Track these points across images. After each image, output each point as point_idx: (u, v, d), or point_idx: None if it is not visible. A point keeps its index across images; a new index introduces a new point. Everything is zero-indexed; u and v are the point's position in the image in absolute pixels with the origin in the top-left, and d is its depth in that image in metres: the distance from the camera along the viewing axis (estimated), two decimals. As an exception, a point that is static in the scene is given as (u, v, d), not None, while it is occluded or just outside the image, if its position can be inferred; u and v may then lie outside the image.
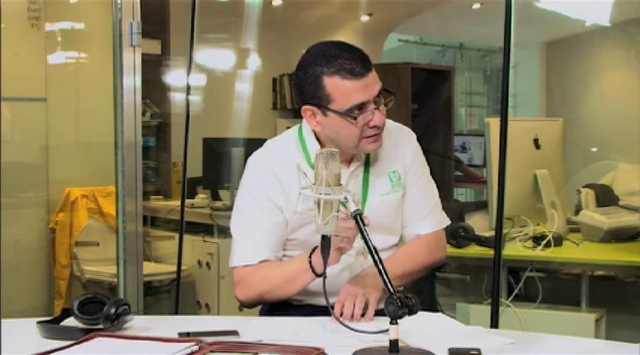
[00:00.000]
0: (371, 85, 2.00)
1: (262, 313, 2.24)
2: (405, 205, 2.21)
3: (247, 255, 2.12)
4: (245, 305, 2.19)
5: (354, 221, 1.81)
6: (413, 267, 2.18)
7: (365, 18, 7.24)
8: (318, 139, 2.12)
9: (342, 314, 1.94)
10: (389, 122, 2.19)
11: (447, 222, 2.29)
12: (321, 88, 2.00)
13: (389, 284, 1.71)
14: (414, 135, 2.27)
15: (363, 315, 1.95)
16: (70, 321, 1.90)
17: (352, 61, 1.99)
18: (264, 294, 2.12)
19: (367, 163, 2.16)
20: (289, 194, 2.08)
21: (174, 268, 3.89)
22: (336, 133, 2.05)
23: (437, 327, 1.91)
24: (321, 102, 2.02)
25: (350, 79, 1.97)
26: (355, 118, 1.99)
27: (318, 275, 1.98)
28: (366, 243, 1.77)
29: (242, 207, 2.16)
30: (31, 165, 4.44)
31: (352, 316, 1.94)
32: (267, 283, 2.09)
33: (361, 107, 1.99)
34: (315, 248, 1.98)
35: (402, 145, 2.22)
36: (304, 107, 2.07)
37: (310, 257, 2.00)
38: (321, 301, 1.91)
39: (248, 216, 2.14)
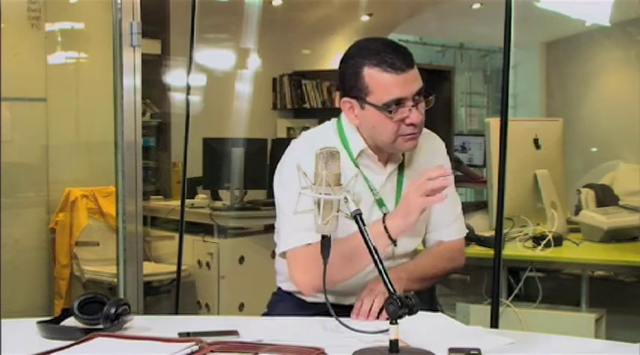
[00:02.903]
0: (410, 81, 1.99)
1: (270, 312, 2.24)
2: (432, 210, 2.20)
3: (297, 237, 2.01)
4: (305, 292, 2.08)
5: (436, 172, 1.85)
6: (434, 273, 2.20)
7: (365, 18, 7.23)
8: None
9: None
10: None
11: (466, 230, 2.30)
12: (360, 79, 2.00)
13: (389, 285, 1.71)
14: (443, 143, 2.27)
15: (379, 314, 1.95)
16: (70, 321, 1.90)
17: (394, 55, 1.98)
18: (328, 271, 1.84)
19: (402, 165, 2.15)
20: None
21: (174, 268, 3.89)
22: (373, 128, 2.04)
23: (437, 327, 1.91)
24: (360, 94, 2.01)
25: (389, 73, 1.97)
26: (391, 113, 1.98)
27: (393, 241, 1.94)
28: (366, 242, 1.76)
29: (285, 202, 2.05)
30: (31, 165, 4.44)
31: (369, 313, 1.95)
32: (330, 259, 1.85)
33: (398, 102, 1.99)
34: (385, 214, 1.97)
35: (435, 152, 2.22)
36: (343, 99, 2.07)
37: (384, 221, 1.92)
38: (348, 300, 1.92)
39: (292, 209, 1.89)
